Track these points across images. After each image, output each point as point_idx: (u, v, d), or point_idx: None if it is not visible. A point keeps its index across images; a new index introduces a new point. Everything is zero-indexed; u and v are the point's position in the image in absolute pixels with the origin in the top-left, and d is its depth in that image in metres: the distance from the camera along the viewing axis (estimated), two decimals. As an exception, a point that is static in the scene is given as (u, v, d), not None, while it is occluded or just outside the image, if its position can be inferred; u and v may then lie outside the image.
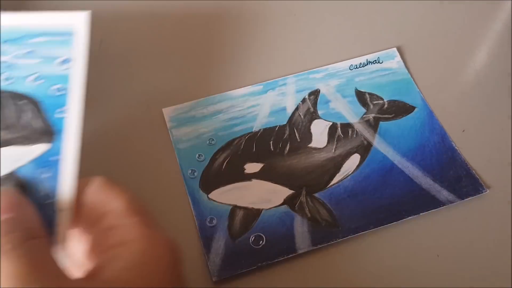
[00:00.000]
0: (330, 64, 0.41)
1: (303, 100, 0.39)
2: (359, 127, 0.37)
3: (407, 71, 0.40)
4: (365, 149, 0.37)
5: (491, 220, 0.33)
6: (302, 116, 0.38)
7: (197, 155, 0.36)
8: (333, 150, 0.36)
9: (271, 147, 0.36)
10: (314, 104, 0.39)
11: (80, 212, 0.24)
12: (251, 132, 0.37)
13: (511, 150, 0.36)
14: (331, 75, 0.40)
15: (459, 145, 0.36)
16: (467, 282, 0.31)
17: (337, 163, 0.36)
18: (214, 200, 0.34)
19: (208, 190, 0.35)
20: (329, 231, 0.33)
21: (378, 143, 0.37)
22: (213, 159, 0.36)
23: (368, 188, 0.34)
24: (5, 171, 0.24)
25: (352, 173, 0.35)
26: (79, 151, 0.24)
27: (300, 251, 0.32)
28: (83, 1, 0.44)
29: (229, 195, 0.34)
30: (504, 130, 0.37)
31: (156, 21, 0.44)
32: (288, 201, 0.34)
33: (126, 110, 0.38)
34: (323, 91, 0.39)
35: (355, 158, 0.36)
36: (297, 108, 0.38)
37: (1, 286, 0.20)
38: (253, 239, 0.33)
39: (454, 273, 0.31)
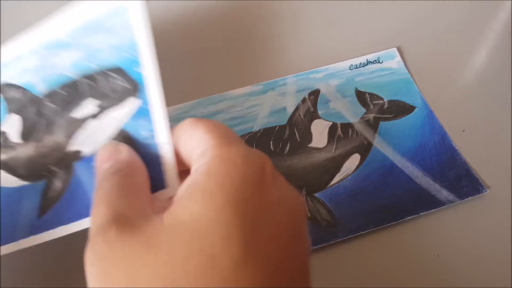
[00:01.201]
0: (330, 64, 0.40)
1: (303, 100, 0.39)
2: (359, 127, 0.37)
3: (407, 71, 0.40)
4: (365, 149, 0.37)
5: (491, 220, 0.33)
6: (302, 116, 0.38)
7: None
8: (333, 150, 0.36)
9: (271, 147, 0.36)
10: (314, 104, 0.39)
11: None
12: (251, 132, 0.37)
13: (511, 150, 0.36)
14: (331, 75, 0.40)
15: (459, 145, 0.36)
16: (467, 282, 0.31)
17: (337, 163, 0.36)
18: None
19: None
20: (329, 231, 0.33)
21: (378, 143, 0.37)
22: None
23: (368, 188, 0.34)
24: (114, 130, 0.28)
25: (352, 173, 0.35)
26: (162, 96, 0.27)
27: (300, 251, 0.32)
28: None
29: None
30: (504, 130, 0.37)
31: (156, 21, 0.44)
32: (288, 200, 0.34)
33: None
34: (323, 91, 0.39)
35: (355, 158, 0.36)
36: (297, 108, 0.38)
37: (95, 203, 0.23)
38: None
39: (454, 273, 0.31)
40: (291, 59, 0.41)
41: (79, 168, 0.29)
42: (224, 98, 0.39)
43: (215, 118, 0.38)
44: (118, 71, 0.28)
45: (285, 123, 0.38)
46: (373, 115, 0.38)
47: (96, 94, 0.29)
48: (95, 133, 0.29)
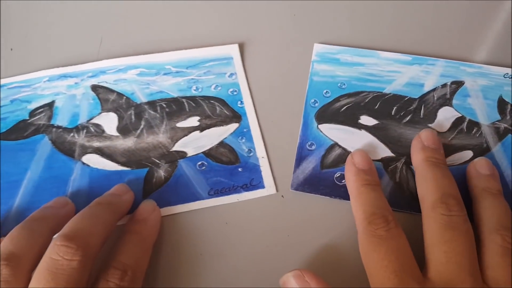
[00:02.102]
0: (487, 64, 0.40)
1: (444, 85, 0.39)
2: (486, 130, 0.37)
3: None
4: (481, 150, 0.37)
5: None
6: (435, 98, 0.39)
7: (324, 91, 0.39)
8: (449, 138, 0.37)
9: (393, 111, 0.38)
10: (453, 93, 0.39)
11: None
12: (381, 92, 0.39)
13: None
14: (483, 74, 0.40)
15: None
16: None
17: (447, 151, 0.37)
18: (321, 131, 0.37)
19: (320, 121, 0.38)
20: (410, 203, 0.34)
21: (497, 151, 0.37)
22: (337, 99, 0.39)
23: (463, 183, 0.35)
24: (215, 141, 0.38)
25: (456, 165, 0.36)
26: (258, 123, 0.39)
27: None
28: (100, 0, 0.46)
29: (336, 133, 0.38)
30: None
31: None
32: (385, 161, 0.36)
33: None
34: (467, 85, 0.39)
35: (466, 154, 0.37)
36: (434, 89, 0.39)
37: None
38: (338, 175, 0.36)
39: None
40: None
41: (183, 164, 0.38)
42: (371, 55, 0.41)
43: (355, 68, 0.40)
44: (221, 101, 0.40)
45: (416, 97, 0.39)
46: (505, 125, 0.38)
47: (199, 113, 0.39)
48: (199, 141, 0.39)
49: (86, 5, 0.45)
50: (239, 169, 0.37)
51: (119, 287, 0.29)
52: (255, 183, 0.37)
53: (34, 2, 0.46)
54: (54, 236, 0.31)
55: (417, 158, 0.35)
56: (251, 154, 0.38)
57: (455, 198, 0.31)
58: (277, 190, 0.37)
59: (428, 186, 0.32)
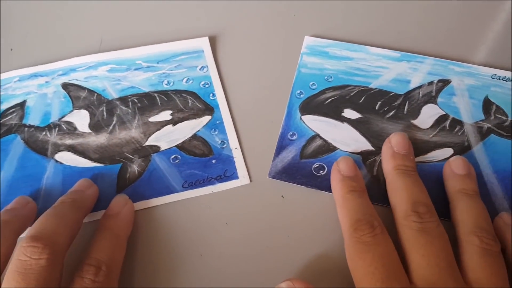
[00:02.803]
0: (476, 64, 0.40)
1: (430, 83, 0.40)
2: (468, 129, 0.38)
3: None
4: (462, 149, 0.37)
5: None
6: (420, 95, 0.39)
7: (311, 83, 0.40)
8: (431, 135, 0.38)
9: (377, 106, 0.39)
10: (438, 91, 0.39)
11: None
12: (367, 86, 0.39)
13: None
14: (470, 74, 0.40)
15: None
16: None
17: (427, 147, 0.37)
18: (304, 122, 0.38)
19: (303, 112, 0.39)
20: (384, 195, 0.34)
21: (477, 150, 0.37)
22: (323, 91, 0.39)
23: (440, 181, 0.35)
24: (188, 134, 0.39)
25: (436, 161, 0.37)
26: (231, 115, 0.40)
27: (347, 195, 0.34)
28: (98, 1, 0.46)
29: (318, 124, 0.38)
30: None
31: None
32: (364, 154, 0.37)
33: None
34: (453, 83, 0.40)
35: (447, 151, 0.37)
36: (420, 86, 0.40)
37: None
38: (316, 166, 0.36)
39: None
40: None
41: (156, 158, 0.38)
42: (360, 49, 0.41)
43: (343, 62, 0.41)
44: (193, 94, 0.40)
45: (401, 93, 0.39)
46: (488, 125, 0.38)
47: (171, 107, 0.40)
48: (171, 134, 0.39)
49: (86, 5, 0.45)
50: (213, 161, 0.38)
51: (94, 282, 0.29)
52: (229, 174, 0.37)
53: (34, 2, 0.46)
54: (20, 237, 0.31)
55: (388, 166, 0.35)
56: (225, 145, 0.38)
57: (425, 206, 0.31)
58: (250, 181, 0.37)
59: (399, 195, 0.33)
